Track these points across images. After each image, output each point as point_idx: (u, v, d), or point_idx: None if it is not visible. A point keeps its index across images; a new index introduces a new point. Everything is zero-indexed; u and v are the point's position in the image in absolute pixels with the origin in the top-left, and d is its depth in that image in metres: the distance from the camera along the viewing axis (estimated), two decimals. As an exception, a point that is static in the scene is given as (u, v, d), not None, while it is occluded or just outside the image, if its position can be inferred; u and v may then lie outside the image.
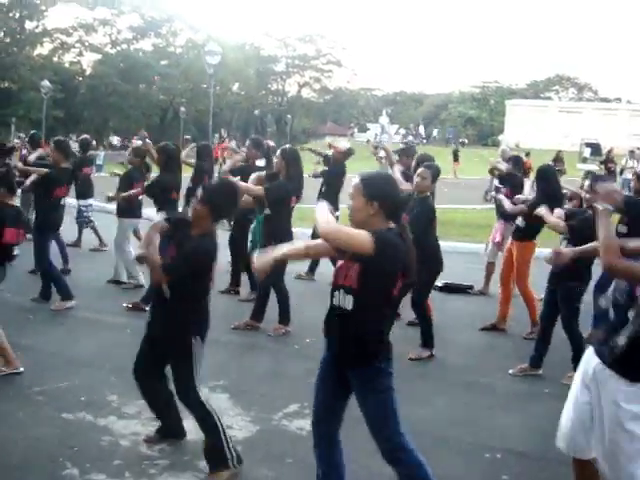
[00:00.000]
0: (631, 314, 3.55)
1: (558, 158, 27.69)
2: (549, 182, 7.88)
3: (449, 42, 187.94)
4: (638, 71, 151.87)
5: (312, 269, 10.70)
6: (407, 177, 8.41)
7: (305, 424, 5.35)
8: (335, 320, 3.75)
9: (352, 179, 3.82)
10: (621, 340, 3.46)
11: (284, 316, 7.86)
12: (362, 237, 3.52)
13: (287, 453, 4.95)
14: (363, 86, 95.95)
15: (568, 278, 6.52)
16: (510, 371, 6.85)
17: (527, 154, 27.34)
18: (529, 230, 8.03)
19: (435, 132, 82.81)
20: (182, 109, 60.55)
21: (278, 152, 8.11)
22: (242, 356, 7.13)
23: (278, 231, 7.53)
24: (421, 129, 79.64)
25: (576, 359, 6.64)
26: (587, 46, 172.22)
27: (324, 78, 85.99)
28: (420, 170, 7.28)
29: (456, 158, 37.35)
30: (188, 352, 4.52)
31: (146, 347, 4.78)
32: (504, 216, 9.50)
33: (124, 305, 8.37)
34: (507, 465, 4.99)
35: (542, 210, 6.98)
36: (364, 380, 3.75)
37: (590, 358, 3.65)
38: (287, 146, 8.66)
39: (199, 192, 4.58)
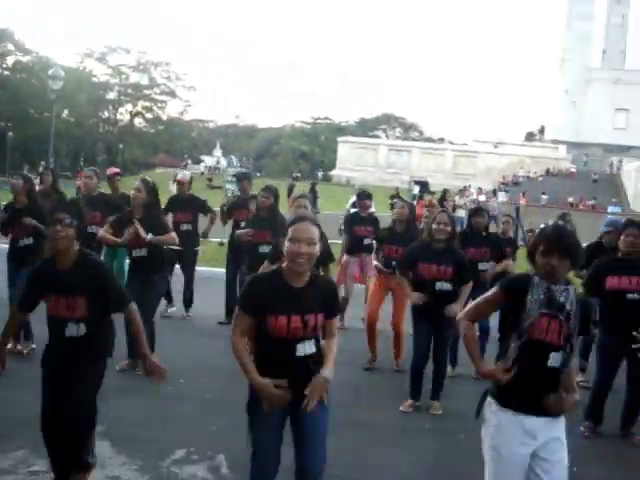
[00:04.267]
0: None
1: (397, 195, 28.62)
2: None
3: (280, 76, 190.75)
4: (459, 113, 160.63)
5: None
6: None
7: (196, 470, 5.20)
8: (301, 366, 3.80)
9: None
10: None
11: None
12: None
13: (184, 503, 4.71)
14: (196, 117, 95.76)
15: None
16: (401, 408, 6.94)
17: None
18: None
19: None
20: (10, 134, 57.89)
21: (139, 183, 7.79)
22: (115, 399, 6.74)
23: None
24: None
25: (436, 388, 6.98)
26: (413, 88, 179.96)
27: (157, 108, 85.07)
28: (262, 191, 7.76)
29: (290, 193, 37.74)
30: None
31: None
32: (351, 251, 9.78)
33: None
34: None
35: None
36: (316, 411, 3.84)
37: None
38: (147, 177, 8.40)
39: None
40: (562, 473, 3.73)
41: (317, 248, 3.74)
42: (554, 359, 3.62)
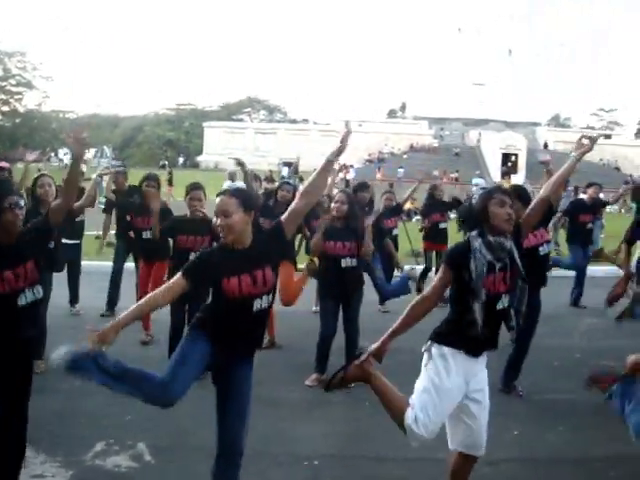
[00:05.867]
0: None
1: (269, 178, 28.72)
2: None
3: (141, 63, 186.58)
4: (321, 94, 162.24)
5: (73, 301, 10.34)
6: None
7: (119, 460, 5.30)
8: (256, 322, 4.08)
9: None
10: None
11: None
12: None
13: (115, 493, 4.81)
14: (55, 108, 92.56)
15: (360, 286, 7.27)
16: (306, 382, 7.17)
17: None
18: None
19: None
20: None
21: (47, 179, 7.72)
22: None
23: None
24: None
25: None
26: (275, 70, 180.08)
27: (13, 101, 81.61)
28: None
29: (170, 182, 37.37)
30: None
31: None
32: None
33: None
34: (328, 469, 5.25)
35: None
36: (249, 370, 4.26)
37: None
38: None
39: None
40: (483, 424, 4.21)
41: (235, 217, 3.93)
42: (502, 302, 4.14)
